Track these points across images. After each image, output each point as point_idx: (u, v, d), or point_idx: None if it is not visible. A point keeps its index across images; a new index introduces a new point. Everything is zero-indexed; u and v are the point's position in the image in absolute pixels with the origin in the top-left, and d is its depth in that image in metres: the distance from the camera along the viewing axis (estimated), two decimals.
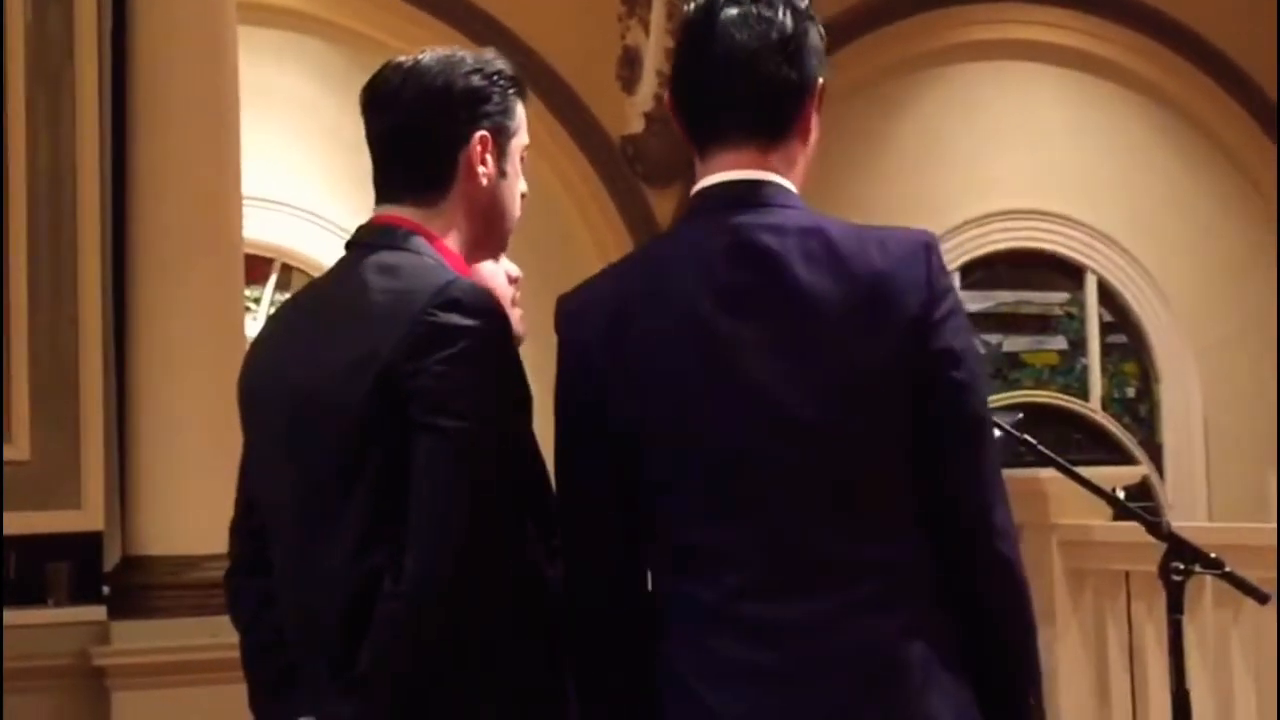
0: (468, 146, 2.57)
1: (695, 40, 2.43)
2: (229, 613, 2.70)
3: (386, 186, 2.61)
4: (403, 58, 2.63)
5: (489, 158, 2.59)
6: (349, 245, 2.62)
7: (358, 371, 2.40)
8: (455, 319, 2.39)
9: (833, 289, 2.29)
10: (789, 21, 2.40)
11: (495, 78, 2.61)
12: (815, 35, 2.43)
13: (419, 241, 2.54)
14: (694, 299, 2.32)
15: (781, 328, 2.29)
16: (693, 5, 2.46)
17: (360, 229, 2.62)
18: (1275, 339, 9.81)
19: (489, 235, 2.64)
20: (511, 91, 2.63)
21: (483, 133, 2.58)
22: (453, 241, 2.58)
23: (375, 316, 2.44)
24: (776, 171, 2.40)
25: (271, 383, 2.57)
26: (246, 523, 2.66)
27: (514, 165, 2.65)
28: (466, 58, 2.62)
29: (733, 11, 2.40)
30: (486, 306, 2.43)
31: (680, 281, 2.34)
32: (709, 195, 2.40)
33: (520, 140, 2.66)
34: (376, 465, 2.40)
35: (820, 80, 2.44)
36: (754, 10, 2.40)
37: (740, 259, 2.32)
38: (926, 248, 2.35)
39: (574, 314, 2.41)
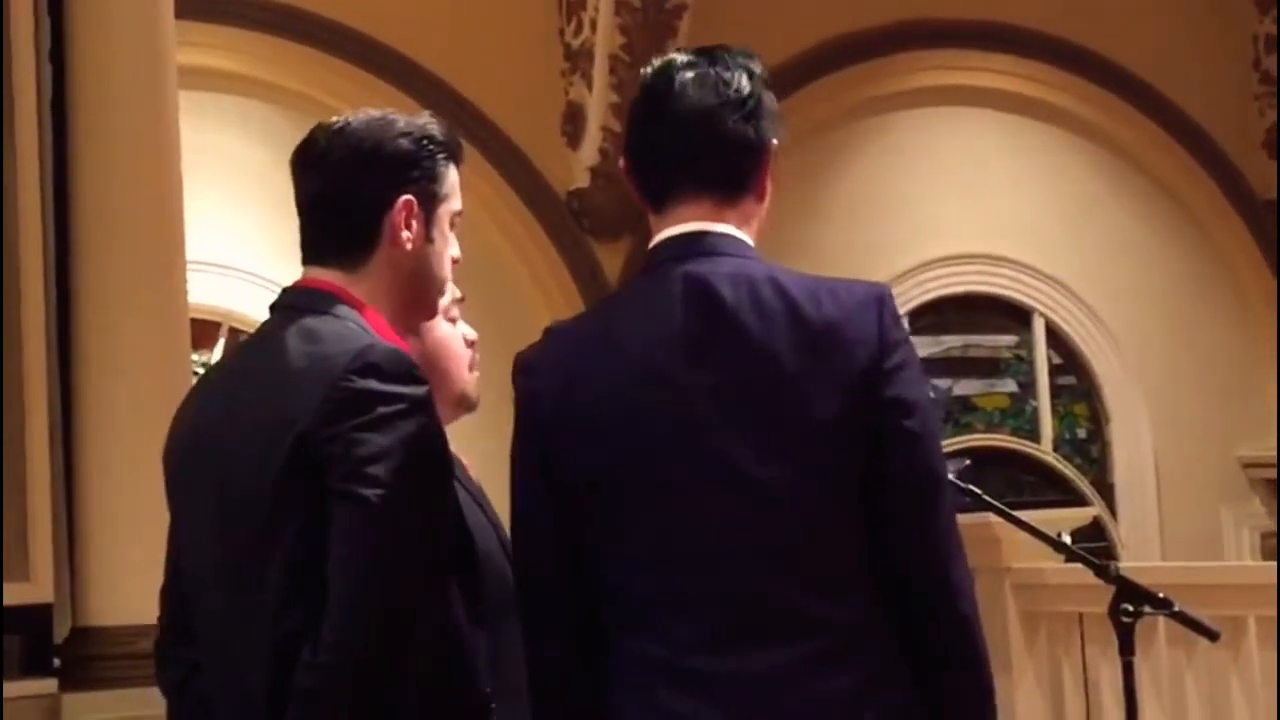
0: (392, 210, 2.55)
1: (653, 100, 2.45)
2: (157, 680, 2.67)
3: (312, 248, 2.60)
4: (334, 119, 2.62)
5: (414, 222, 2.56)
6: (273, 308, 2.60)
7: (276, 437, 2.38)
8: (372, 384, 2.37)
9: (784, 339, 2.30)
10: (745, 83, 2.44)
11: (425, 142, 2.59)
12: (770, 98, 2.47)
13: (343, 307, 2.52)
14: (648, 349, 2.33)
15: (734, 379, 2.30)
16: (650, 68, 2.48)
17: (284, 292, 2.60)
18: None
19: (416, 301, 2.62)
20: (441, 156, 2.61)
21: (408, 197, 2.56)
22: (379, 307, 2.56)
23: (294, 382, 2.42)
24: (732, 226, 2.42)
25: (193, 447, 2.56)
26: (174, 589, 2.64)
27: (443, 231, 2.62)
28: (398, 120, 2.60)
29: (690, 74, 2.43)
30: (404, 371, 2.42)
31: (635, 332, 2.36)
32: (664, 246, 2.42)
33: (450, 206, 2.63)
34: (295, 530, 2.38)
35: (775, 141, 2.47)
36: (712, 71, 2.43)
37: (694, 308, 2.33)
38: (879, 300, 2.36)
39: (530, 367, 2.42)
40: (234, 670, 2.45)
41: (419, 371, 2.45)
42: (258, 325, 2.65)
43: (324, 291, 2.54)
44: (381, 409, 2.36)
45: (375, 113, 2.62)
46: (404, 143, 2.57)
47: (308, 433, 2.36)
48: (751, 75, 2.45)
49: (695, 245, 2.39)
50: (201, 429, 2.55)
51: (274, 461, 2.38)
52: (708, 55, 2.47)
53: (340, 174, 2.55)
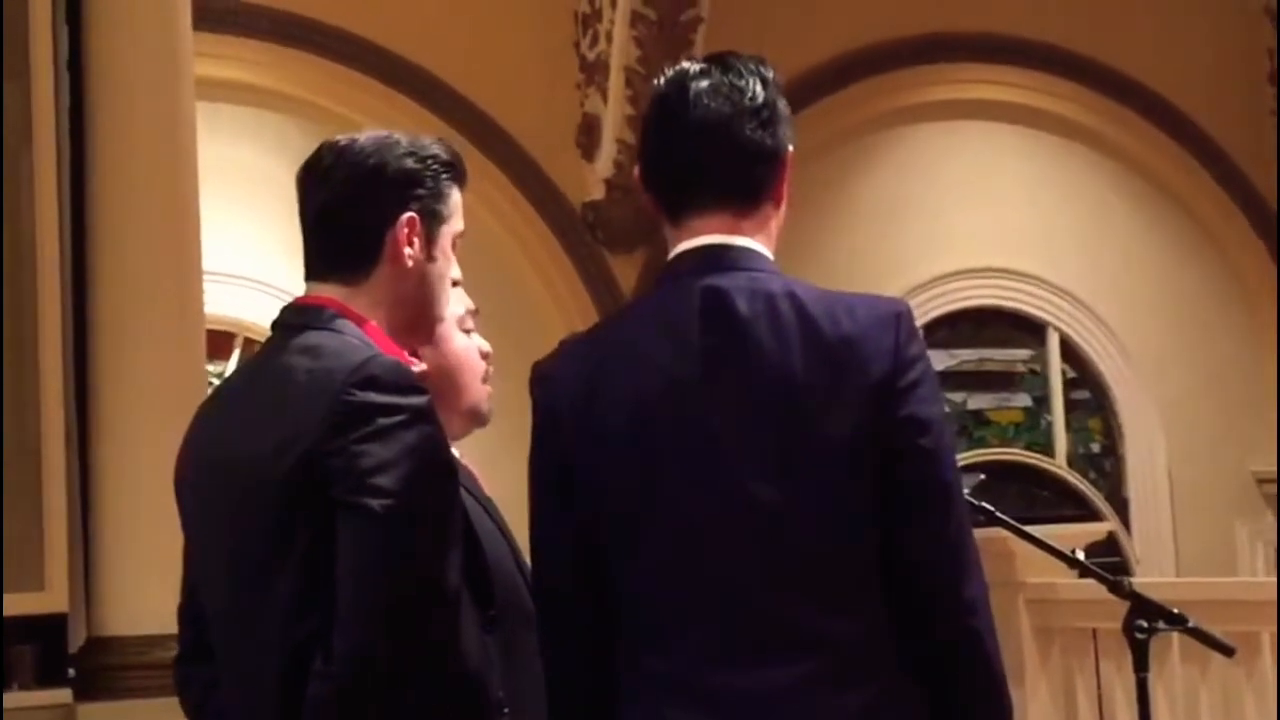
0: (395, 227, 2.56)
1: (667, 110, 2.43)
2: (179, 702, 2.69)
3: (314, 264, 2.61)
4: (340, 137, 2.64)
5: (416, 240, 2.57)
6: (274, 326, 2.62)
7: (283, 453, 2.40)
8: (372, 396, 2.39)
9: (800, 357, 2.29)
10: (759, 90, 2.42)
11: (429, 162, 2.60)
12: (784, 104, 2.46)
13: (343, 323, 2.53)
14: (664, 363, 2.32)
15: (748, 396, 2.29)
16: (662, 78, 2.47)
17: (284, 310, 2.62)
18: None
19: (414, 320, 2.63)
20: (445, 177, 2.62)
21: (410, 214, 2.57)
22: (379, 323, 2.57)
23: (297, 398, 2.43)
24: (750, 237, 2.40)
25: (204, 468, 2.57)
26: (190, 608, 2.65)
27: (444, 251, 2.63)
28: (402, 140, 2.61)
29: (704, 83, 2.42)
30: (403, 381, 2.43)
31: (651, 345, 2.35)
32: (683, 260, 2.40)
33: (453, 227, 2.64)
34: (306, 542, 2.39)
35: (790, 148, 2.46)
36: (725, 80, 2.42)
37: (710, 323, 2.32)
38: (896, 316, 2.34)
39: (547, 378, 2.42)
40: (249, 685, 2.47)
41: (419, 381, 2.47)
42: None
43: (325, 308, 2.55)
44: (381, 420, 2.38)
45: (381, 132, 2.64)
46: (409, 161, 2.58)
47: (313, 448, 2.38)
48: (765, 82, 2.43)
49: (715, 259, 2.37)
50: (210, 450, 2.57)
51: (284, 476, 2.40)
52: (720, 63, 2.45)
53: (344, 189, 2.56)
